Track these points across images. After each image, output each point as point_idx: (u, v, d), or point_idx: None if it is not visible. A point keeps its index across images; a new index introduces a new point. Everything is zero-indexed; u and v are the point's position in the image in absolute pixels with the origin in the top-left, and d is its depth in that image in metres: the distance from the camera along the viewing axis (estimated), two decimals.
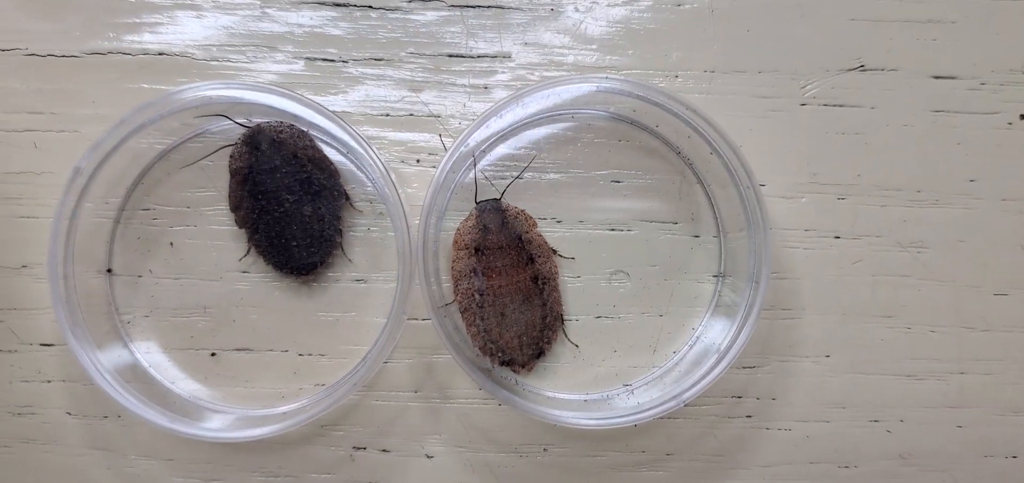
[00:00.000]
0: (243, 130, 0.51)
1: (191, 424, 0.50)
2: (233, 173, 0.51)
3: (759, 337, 0.54)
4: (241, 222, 0.52)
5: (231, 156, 0.51)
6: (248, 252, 0.53)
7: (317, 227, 0.52)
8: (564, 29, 0.55)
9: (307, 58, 0.54)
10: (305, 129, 0.51)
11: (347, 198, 0.53)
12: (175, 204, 0.53)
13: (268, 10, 0.54)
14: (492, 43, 0.54)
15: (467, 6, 0.54)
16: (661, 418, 0.50)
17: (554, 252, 0.53)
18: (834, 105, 0.55)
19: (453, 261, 0.52)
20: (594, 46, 0.55)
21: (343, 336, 0.53)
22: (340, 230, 0.53)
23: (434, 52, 0.54)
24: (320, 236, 0.52)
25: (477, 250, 0.51)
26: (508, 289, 0.51)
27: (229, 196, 0.52)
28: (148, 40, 0.53)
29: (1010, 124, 0.55)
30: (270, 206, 0.51)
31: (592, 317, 0.54)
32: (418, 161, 0.54)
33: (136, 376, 0.52)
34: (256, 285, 0.53)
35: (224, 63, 0.53)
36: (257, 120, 0.51)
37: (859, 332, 0.54)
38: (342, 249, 0.53)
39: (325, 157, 0.52)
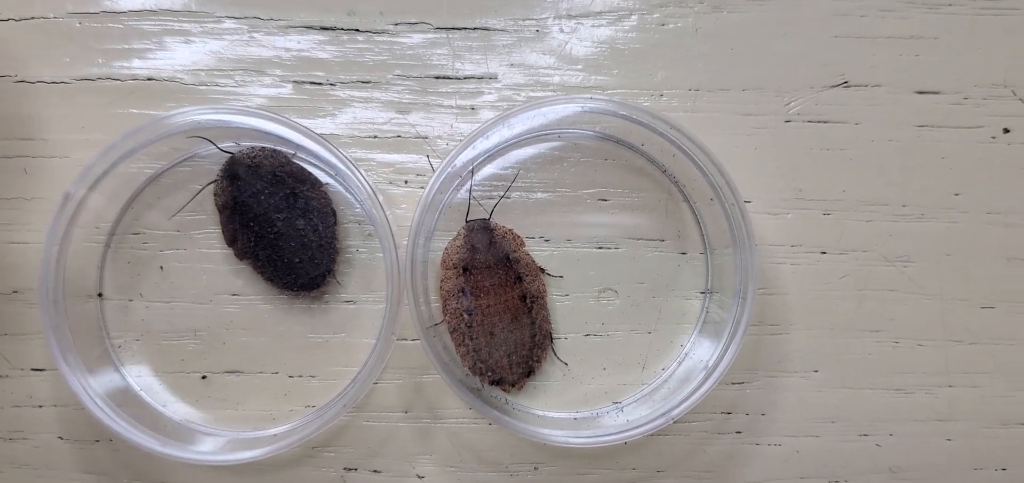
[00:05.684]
0: (226, 158, 0.51)
1: (182, 447, 0.50)
2: (220, 209, 0.51)
3: (747, 353, 0.54)
4: (240, 254, 0.52)
5: (214, 193, 0.51)
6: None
7: (314, 238, 0.52)
8: (549, 50, 0.55)
9: (295, 81, 0.54)
10: (278, 147, 0.51)
11: (334, 216, 0.53)
12: (165, 228, 0.53)
13: (255, 35, 0.54)
14: (478, 65, 0.55)
15: (453, 28, 0.55)
16: (651, 435, 0.51)
17: (542, 271, 0.53)
18: (818, 121, 0.55)
19: (441, 281, 0.52)
20: (579, 66, 0.55)
21: (333, 357, 0.53)
22: (336, 236, 0.53)
23: (421, 74, 0.55)
24: (319, 246, 0.52)
25: (465, 270, 0.51)
26: (497, 308, 0.52)
27: (222, 232, 0.52)
28: (137, 66, 0.54)
29: (994, 138, 0.56)
30: (263, 230, 0.51)
31: (581, 335, 0.54)
32: (406, 182, 0.54)
33: (127, 400, 0.52)
34: (246, 308, 0.53)
35: (213, 87, 0.54)
36: (245, 144, 0.51)
37: (847, 347, 0.55)
38: (333, 271, 0.53)
39: (304, 170, 0.52)
